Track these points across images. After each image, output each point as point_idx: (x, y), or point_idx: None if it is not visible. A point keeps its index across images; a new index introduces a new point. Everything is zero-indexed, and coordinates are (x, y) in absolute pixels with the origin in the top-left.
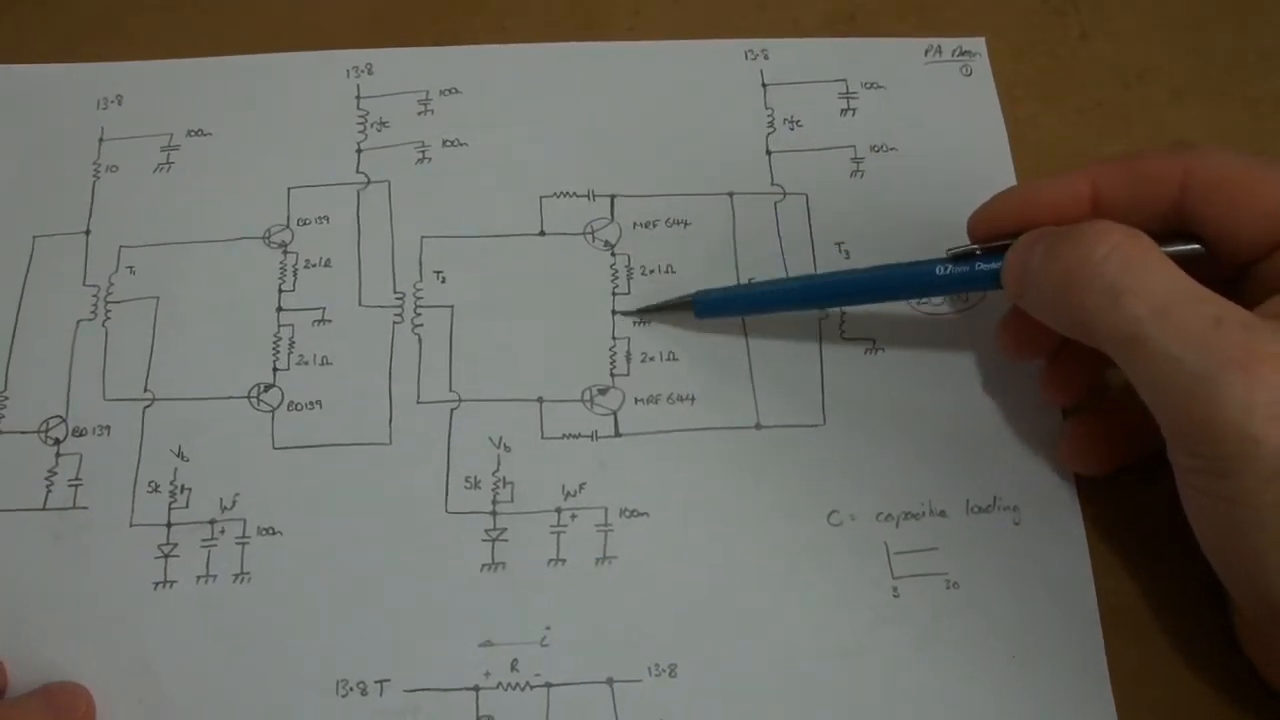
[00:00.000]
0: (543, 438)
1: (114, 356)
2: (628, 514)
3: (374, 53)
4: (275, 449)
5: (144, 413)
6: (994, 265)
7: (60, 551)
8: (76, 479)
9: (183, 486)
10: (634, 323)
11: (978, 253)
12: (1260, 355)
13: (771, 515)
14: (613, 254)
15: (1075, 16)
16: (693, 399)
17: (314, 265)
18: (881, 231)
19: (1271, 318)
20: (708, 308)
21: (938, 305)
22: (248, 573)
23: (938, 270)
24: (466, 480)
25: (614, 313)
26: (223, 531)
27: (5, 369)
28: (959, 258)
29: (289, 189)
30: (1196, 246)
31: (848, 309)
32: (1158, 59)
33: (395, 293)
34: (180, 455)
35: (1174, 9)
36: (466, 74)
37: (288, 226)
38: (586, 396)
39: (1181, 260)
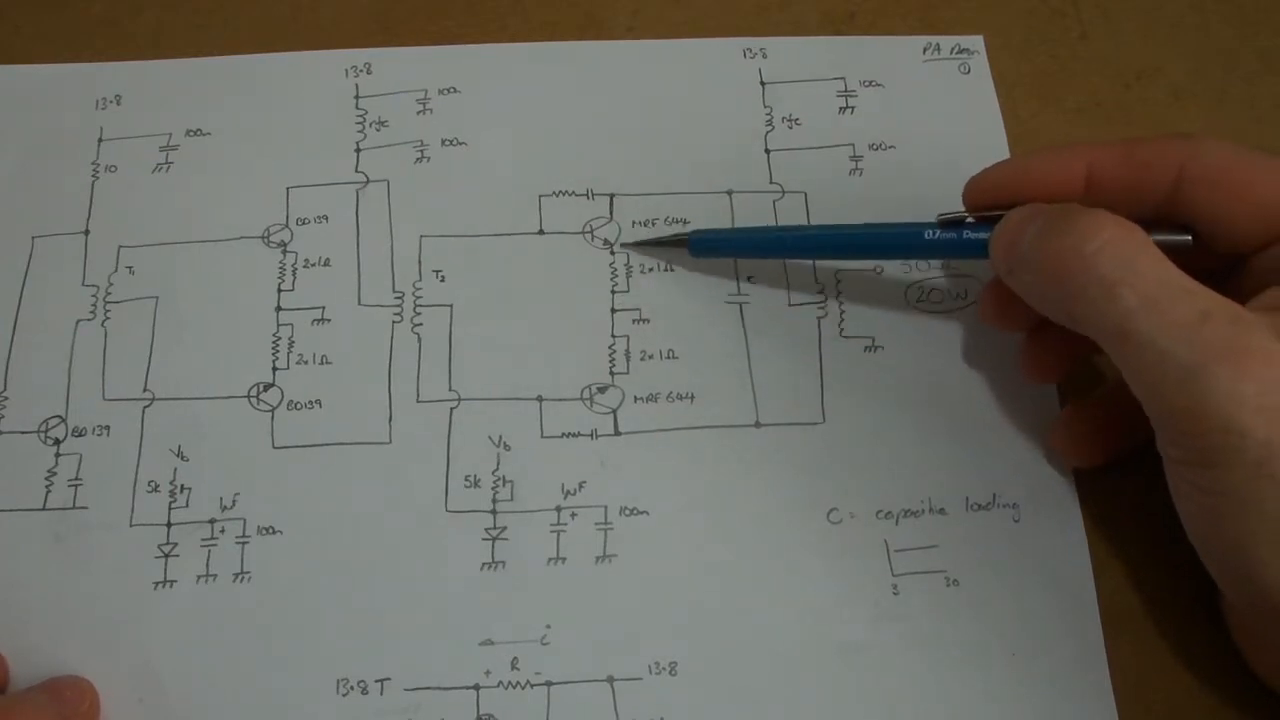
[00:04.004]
0: (542, 436)
1: (113, 356)
2: (627, 512)
3: (373, 52)
4: (275, 448)
5: (144, 412)
6: (982, 235)
7: (60, 551)
8: (76, 479)
9: (183, 486)
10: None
11: (968, 220)
12: (1247, 349)
13: (771, 513)
14: (612, 252)
15: (1075, 16)
16: (692, 397)
17: (313, 265)
18: None
19: (1264, 311)
20: (702, 246)
21: (937, 302)
22: (248, 572)
23: (926, 234)
24: (466, 479)
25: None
26: (223, 531)
27: (5, 369)
28: (948, 224)
29: (288, 188)
30: (1186, 238)
31: (847, 305)
32: (1158, 59)
33: (394, 292)
34: (180, 455)
35: (1174, 9)
36: (466, 73)
37: (287, 226)
38: (586, 395)
39: (1171, 249)
